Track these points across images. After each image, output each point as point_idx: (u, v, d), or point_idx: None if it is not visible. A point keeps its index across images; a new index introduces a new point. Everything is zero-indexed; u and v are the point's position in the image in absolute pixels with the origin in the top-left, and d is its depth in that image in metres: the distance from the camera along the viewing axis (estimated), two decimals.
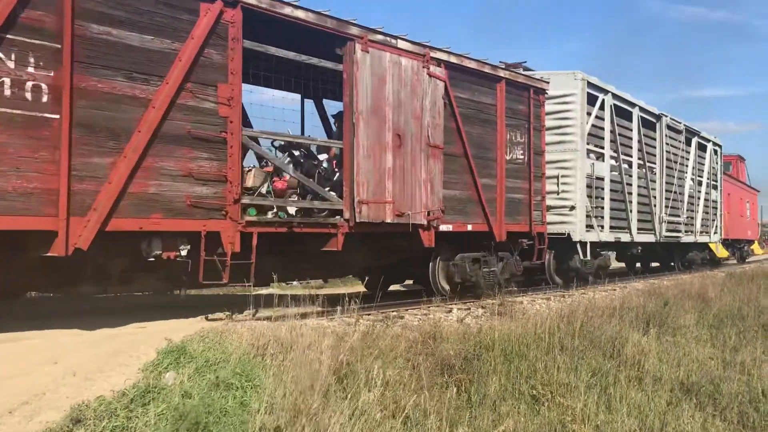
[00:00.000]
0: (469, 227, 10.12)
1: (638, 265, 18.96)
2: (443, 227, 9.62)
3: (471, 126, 10.13)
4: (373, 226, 8.67)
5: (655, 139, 16.59)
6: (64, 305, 8.36)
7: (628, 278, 15.23)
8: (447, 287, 10.15)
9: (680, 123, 17.99)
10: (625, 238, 14.78)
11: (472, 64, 10.20)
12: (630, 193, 15.07)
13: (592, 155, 13.46)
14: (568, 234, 12.61)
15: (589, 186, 13.05)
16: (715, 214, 21.16)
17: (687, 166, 18.61)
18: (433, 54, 9.44)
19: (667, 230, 16.94)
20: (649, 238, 16.20)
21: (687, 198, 18.41)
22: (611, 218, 14.03)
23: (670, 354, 8.36)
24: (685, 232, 18.25)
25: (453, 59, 9.80)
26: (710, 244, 21.05)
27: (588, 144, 13.19)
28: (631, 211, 14.99)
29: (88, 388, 4.62)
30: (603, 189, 13.71)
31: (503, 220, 10.60)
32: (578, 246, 12.69)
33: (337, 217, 8.37)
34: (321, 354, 5.50)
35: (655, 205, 16.25)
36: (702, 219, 19.65)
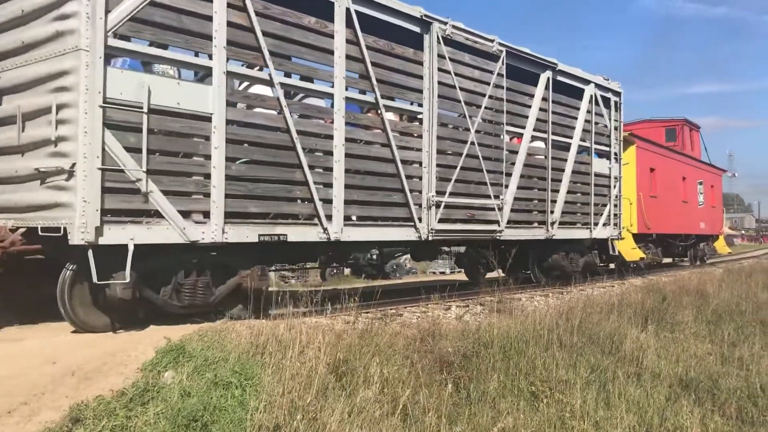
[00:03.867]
0: None
1: (502, 273, 11.93)
2: None
3: None
4: None
5: (420, 63, 9.17)
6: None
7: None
8: None
9: (492, 41, 10.30)
10: (289, 234, 7.38)
11: None
12: (326, 153, 7.89)
13: (168, 70, 6.71)
14: (64, 229, 5.78)
15: (131, 127, 6.07)
16: (606, 196, 13.42)
17: (525, 117, 11.19)
18: None
19: (447, 220, 9.46)
20: (393, 234, 8.79)
21: (521, 168, 11.02)
22: (239, 197, 6.93)
23: (668, 350, 8.39)
24: (515, 223, 10.87)
25: None
26: (614, 242, 13.70)
27: (153, 44, 6.53)
28: (328, 185, 7.87)
29: (87, 388, 4.62)
30: (208, 139, 6.63)
31: None
32: (91, 255, 5.76)
33: None
34: (319, 351, 5.50)
35: (413, 177, 8.99)
36: (567, 203, 12.14)
